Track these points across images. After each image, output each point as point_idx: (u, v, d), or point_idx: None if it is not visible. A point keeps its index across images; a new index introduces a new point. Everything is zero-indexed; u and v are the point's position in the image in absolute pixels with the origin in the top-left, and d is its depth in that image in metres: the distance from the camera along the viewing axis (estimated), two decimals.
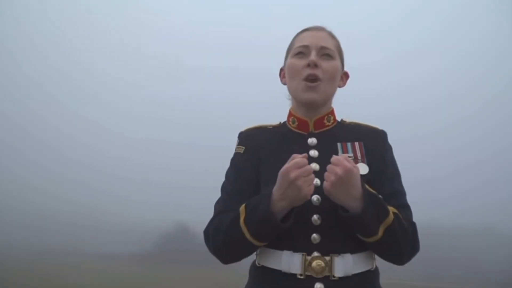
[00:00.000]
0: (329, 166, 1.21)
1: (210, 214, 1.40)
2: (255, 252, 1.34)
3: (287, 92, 1.50)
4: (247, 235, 1.22)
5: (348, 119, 1.50)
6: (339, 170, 1.17)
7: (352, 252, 1.26)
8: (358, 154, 1.36)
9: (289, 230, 1.23)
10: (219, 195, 1.43)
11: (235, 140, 1.50)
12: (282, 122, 1.50)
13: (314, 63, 1.34)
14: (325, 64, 1.36)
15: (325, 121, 1.42)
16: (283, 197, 1.18)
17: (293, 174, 1.16)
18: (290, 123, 1.45)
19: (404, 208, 1.34)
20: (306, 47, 1.38)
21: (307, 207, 1.26)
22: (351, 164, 1.20)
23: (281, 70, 1.50)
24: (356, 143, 1.38)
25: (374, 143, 1.40)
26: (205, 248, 1.38)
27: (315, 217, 1.26)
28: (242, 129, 1.49)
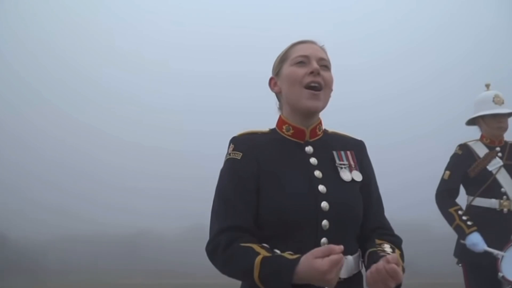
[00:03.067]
0: (384, 274, 1.19)
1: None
2: None
3: (275, 100, 1.56)
4: (259, 284, 1.22)
5: (329, 128, 1.56)
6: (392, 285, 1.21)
7: (351, 254, 1.36)
8: (352, 162, 1.46)
9: (298, 236, 1.31)
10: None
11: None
12: (271, 128, 1.53)
13: (318, 71, 1.39)
14: (325, 74, 1.42)
15: (317, 130, 1.49)
16: (308, 280, 1.17)
17: (330, 276, 1.12)
18: (284, 130, 1.48)
19: (384, 216, 1.53)
20: (306, 57, 1.42)
21: (317, 213, 1.32)
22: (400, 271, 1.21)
23: (271, 79, 1.54)
24: (348, 152, 1.48)
25: (359, 152, 1.51)
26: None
27: (324, 222, 1.32)
28: (235, 134, 1.49)
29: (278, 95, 1.53)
